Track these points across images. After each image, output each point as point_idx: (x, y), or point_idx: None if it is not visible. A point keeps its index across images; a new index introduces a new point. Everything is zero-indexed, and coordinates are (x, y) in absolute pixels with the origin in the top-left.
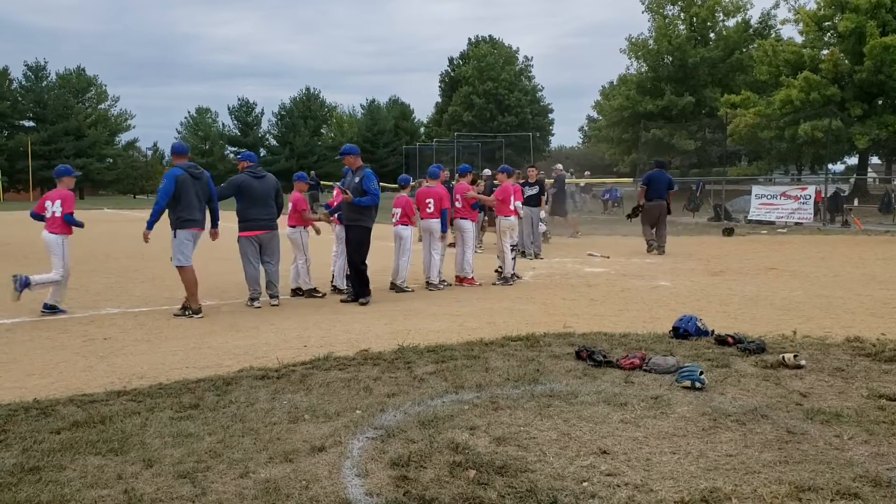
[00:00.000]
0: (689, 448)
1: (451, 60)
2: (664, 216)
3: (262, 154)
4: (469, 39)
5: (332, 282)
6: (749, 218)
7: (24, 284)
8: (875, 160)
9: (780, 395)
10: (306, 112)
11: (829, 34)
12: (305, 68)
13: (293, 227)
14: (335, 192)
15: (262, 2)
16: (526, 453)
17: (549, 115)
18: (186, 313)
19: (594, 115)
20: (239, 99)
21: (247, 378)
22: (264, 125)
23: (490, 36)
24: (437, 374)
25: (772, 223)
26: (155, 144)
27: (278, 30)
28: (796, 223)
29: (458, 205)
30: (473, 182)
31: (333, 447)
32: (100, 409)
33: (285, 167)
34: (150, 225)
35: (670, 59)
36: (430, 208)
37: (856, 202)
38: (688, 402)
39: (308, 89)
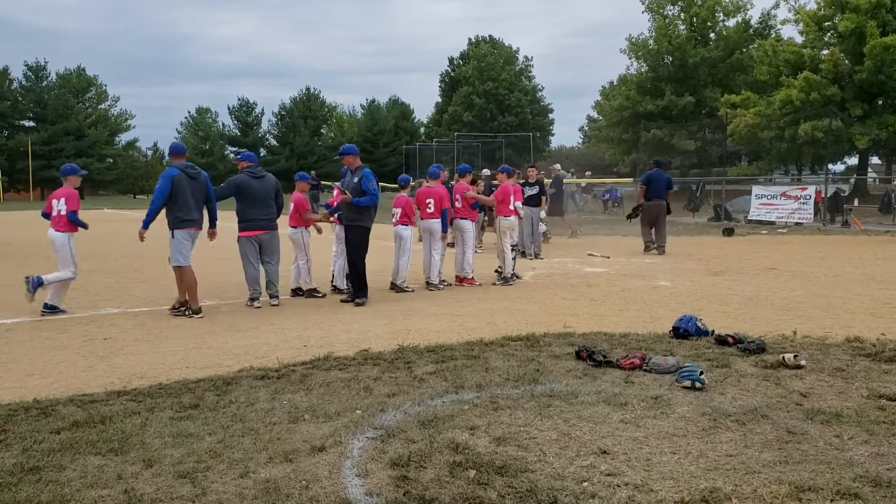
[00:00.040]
0: (690, 448)
1: (451, 60)
2: (664, 216)
3: (262, 154)
4: (469, 39)
5: (332, 282)
6: (749, 218)
7: (37, 284)
8: (875, 160)
9: (781, 395)
10: (306, 112)
11: (829, 34)
12: (305, 68)
13: (294, 227)
14: (335, 192)
15: (262, 2)
16: (526, 453)
17: (550, 115)
18: (187, 313)
19: (594, 115)
20: (239, 99)
21: (247, 378)
22: (264, 125)
23: (490, 36)
24: (437, 374)
25: (772, 223)
26: (155, 144)
27: (278, 30)
28: (796, 223)
29: (457, 205)
30: (473, 182)
31: (333, 447)
32: (100, 409)
33: (285, 167)
34: (146, 224)
35: (670, 59)
36: (430, 208)
37: (856, 202)
38: (688, 402)
39: (308, 89)
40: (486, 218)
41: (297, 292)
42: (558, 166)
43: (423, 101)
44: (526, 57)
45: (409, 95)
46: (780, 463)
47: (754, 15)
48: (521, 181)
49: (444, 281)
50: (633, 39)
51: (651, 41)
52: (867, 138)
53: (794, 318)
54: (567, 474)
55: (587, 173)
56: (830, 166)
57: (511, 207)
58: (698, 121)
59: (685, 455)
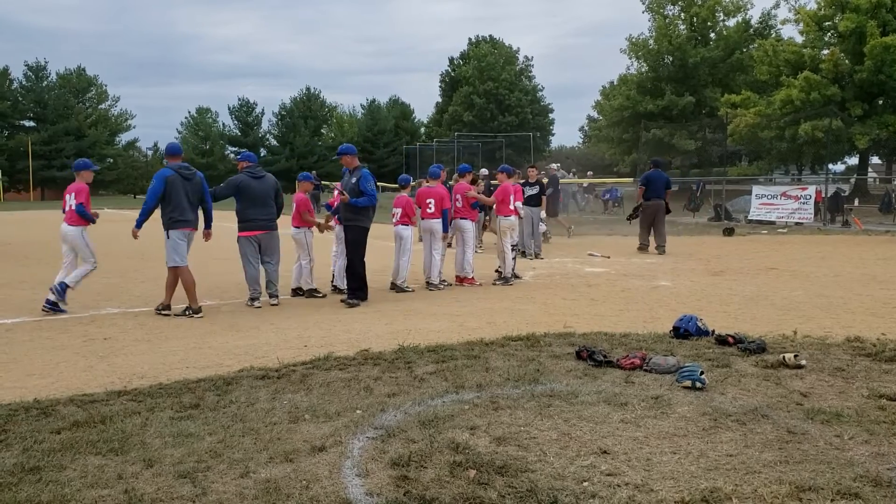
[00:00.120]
0: (690, 448)
1: (451, 60)
2: (662, 215)
3: (262, 154)
4: (469, 39)
5: (332, 282)
6: (749, 218)
7: (62, 291)
8: (875, 160)
9: (781, 395)
10: (306, 112)
11: (829, 34)
12: (305, 68)
13: (297, 227)
14: (335, 193)
15: (262, 2)
16: (526, 453)
17: (550, 115)
18: (186, 313)
19: (594, 115)
20: (239, 99)
21: (247, 378)
22: (264, 125)
23: (490, 36)
24: (437, 374)
25: (772, 223)
26: (155, 144)
27: (278, 30)
28: (797, 223)
29: (458, 205)
30: (473, 182)
31: (334, 447)
32: (100, 409)
33: (285, 167)
34: (139, 224)
35: (670, 59)
36: (430, 208)
37: (856, 202)
38: (688, 402)
39: (308, 89)
40: (487, 218)
41: (297, 292)
42: (555, 166)
43: (424, 101)
44: (526, 57)
45: (410, 95)
46: (781, 463)
47: (754, 15)
48: (522, 181)
49: (444, 281)
50: (634, 39)
51: (651, 41)
52: (867, 138)
53: (794, 318)
54: (567, 474)
55: (589, 173)
56: (831, 166)
57: (511, 207)
58: (698, 121)
59: (685, 455)
